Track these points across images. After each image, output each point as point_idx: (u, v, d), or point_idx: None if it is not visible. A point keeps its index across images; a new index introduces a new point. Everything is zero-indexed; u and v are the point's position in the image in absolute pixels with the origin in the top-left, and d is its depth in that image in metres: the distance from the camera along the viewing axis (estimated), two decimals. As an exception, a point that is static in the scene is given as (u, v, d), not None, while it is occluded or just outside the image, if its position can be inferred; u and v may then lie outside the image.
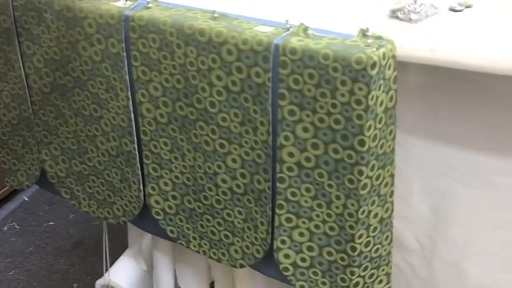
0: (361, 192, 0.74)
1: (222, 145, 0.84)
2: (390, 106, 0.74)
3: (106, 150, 0.97)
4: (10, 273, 1.60)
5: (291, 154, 0.77)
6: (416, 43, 0.77)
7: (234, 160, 0.84)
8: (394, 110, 0.75)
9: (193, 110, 0.83)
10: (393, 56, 0.71)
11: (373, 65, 0.67)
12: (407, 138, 0.86)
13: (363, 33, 0.72)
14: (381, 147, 0.75)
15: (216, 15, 0.79)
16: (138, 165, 0.93)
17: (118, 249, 1.56)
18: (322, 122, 0.73)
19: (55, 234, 1.72)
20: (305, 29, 0.73)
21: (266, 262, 0.89)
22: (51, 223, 1.76)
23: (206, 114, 0.82)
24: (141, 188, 0.96)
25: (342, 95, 0.70)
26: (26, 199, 1.85)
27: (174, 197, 0.94)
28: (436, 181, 0.89)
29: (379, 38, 0.71)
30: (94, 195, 1.04)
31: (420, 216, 0.91)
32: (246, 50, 0.74)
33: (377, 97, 0.70)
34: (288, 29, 0.75)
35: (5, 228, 1.74)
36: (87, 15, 0.85)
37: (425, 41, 0.78)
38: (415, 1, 0.83)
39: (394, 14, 0.82)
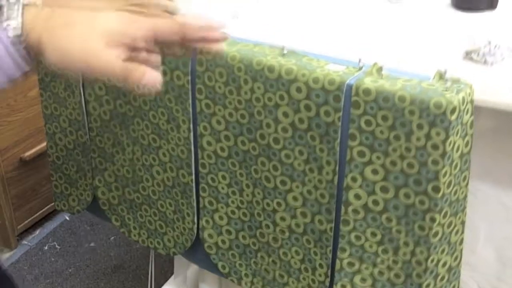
0: (432, 240, 0.71)
1: (283, 182, 0.82)
2: (466, 152, 0.71)
3: (161, 180, 0.96)
4: (49, 294, 1.60)
5: (357, 196, 0.75)
6: (492, 87, 0.75)
7: (295, 198, 0.82)
8: (469, 156, 0.72)
9: (256, 146, 0.82)
10: (471, 101, 0.69)
11: (453, 110, 0.65)
12: (474, 183, 0.83)
13: (440, 75, 0.69)
14: (454, 194, 0.71)
15: (285, 51, 0.77)
16: (194, 197, 0.92)
17: (159, 274, 1.55)
18: (394, 165, 0.71)
19: (96, 256, 1.71)
20: (379, 69, 0.71)
21: (322, 305, 0.86)
22: (92, 244, 1.76)
23: (269, 150, 0.81)
24: (195, 220, 0.94)
25: (418, 139, 0.68)
26: (67, 218, 1.86)
27: (228, 232, 0.92)
28: (503, 228, 0.85)
29: (457, 81, 0.68)
30: (145, 224, 1.03)
31: (485, 263, 0.87)
32: (316, 88, 0.73)
33: (454, 143, 0.67)
34: (360, 68, 0.73)
35: (46, 248, 1.75)
36: (154, 46, 0.85)
37: (502, 85, 0.75)
38: (489, 43, 0.80)
39: (468, 56, 0.80)
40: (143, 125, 0.93)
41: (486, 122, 0.81)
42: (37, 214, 1.77)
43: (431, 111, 0.66)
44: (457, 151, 0.69)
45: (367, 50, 0.85)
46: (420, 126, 0.67)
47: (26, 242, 1.76)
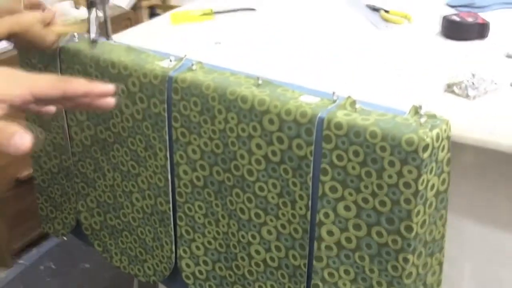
0: (406, 281, 0.68)
1: (257, 215, 0.79)
2: (442, 190, 0.68)
3: (141, 207, 0.94)
4: (42, 315, 1.59)
5: (330, 233, 0.72)
6: (473, 122, 0.72)
7: (269, 232, 0.79)
8: (446, 194, 0.69)
9: (230, 176, 0.80)
10: (448, 137, 0.66)
11: (425, 148, 0.62)
12: (460, 220, 0.80)
13: (416, 110, 0.67)
14: (430, 233, 0.68)
15: (260, 81, 0.76)
16: (172, 225, 0.90)
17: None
18: (366, 202, 0.68)
19: (90, 277, 1.70)
20: (353, 102, 0.69)
21: None
22: (87, 265, 1.75)
23: (243, 182, 0.79)
24: (173, 249, 0.92)
25: (390, 177, 0.65)
26: (65, 238, 1.85)
27: (205, 263, 0.90)
28: (489, 268, 0.82)
29: (433, 117, 0.66)
30: (126, 250, 1.01)
31: (470, 304, 0.84)
32: (288, 121, 0.71)
33: (428, 181, 0.65)
34: (334, 101, 0.71)
35: (42, 268, 1.74)
36: (132, 73, 0.84)
37: (483, 121, 0.72)
38: (473, 75, 0.77)
39: (450, 89, 0.77)
40: (122, 152, 0.92)
41: (469, 158, 0.78)
42: (33, 234, 1.77)
43: (403, 148, 0.63)
44: (431, 189, 0.66)
45: (348, 79, 0.83)
46: (391, 163, 0.64)
47: (22, 261, 1.76)
